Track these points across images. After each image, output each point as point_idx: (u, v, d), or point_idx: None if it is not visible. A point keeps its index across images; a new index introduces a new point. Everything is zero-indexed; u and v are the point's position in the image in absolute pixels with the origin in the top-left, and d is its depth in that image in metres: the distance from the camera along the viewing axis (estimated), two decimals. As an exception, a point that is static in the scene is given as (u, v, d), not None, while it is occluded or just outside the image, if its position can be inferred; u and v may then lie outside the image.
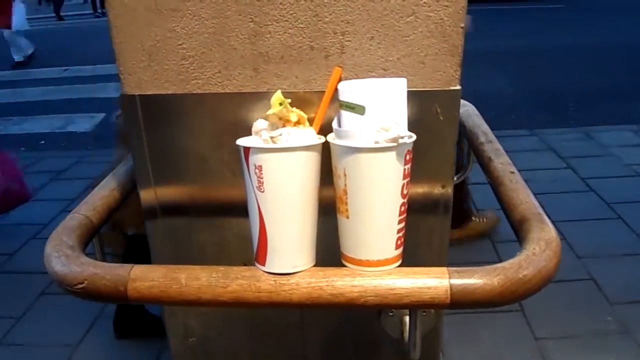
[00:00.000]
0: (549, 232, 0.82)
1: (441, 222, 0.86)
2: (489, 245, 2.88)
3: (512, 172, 1.01)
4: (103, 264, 0.79)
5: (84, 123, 5.40)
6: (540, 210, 0.88)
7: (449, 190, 0.83)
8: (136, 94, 0.80)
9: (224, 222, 0.89)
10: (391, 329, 0.93)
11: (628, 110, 4.79)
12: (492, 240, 2.91)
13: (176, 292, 0.75)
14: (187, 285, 0.75)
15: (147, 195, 0.89)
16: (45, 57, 8.40)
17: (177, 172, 0.87)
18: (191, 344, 0.99)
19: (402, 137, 0.69)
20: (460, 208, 3.24)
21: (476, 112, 1.32)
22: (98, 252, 0.98)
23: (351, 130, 0.71)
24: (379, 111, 0.69)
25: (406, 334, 0.89)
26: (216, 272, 0.76)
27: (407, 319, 0.92)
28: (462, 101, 1.40)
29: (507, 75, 6.20)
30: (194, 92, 0.80)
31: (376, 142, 0.69)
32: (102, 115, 5.50)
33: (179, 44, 0.77)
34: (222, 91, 0.79)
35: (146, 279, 0.76)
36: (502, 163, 1.04)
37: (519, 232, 0.85)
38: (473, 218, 2.90)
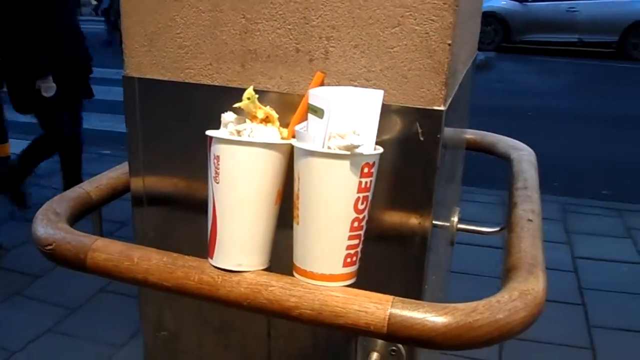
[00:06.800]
0: (532, 283, 0.80)
1: (416, 256, 0.87)
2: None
3: (530, 220, 0.99)
4: (74, 231, 0.91)
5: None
6: (538, 262, 0.86)
7: (427, 222, 0.85)
8: (135, 76, 0.93)
9: (205, 216, 0.97)
10: (355, 362, 0.95)
11: None
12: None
13: (127, 269, 0.84)
14: (138, 264, 0.84)
15: (136, 183, 1.00)
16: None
17: (165, 162, 0.97)
18: (162, 337, 1.07)
19: (357, 147, 0.73)
20: None
21: (532, 159, 1.30)
22: (95, 227, 1.10)
23: (309, 133, 0.76)
24: (337, 117, 0.74)
25: (367, 370, 0.90)
26: (167, 257, 0.84)
27: (374, 355, 0.93)
28: (520, 144, 1.39)
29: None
30: (187, 81, 0.90)
31: (328, 148, 0.73)
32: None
33: (177, 33, 0.88)
34: (211, 83, 0.89)
35: (104, 251, 0.86)
36: (524, 210, 1.02)
37: (503, 281, 0.84)
38: None
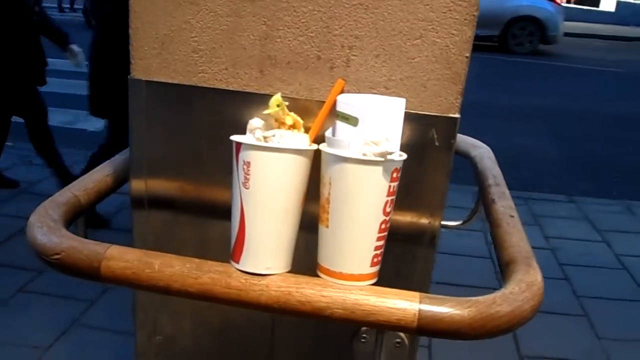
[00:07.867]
0: (534, 275, 0.88)
1: (425, 253, 0.92)
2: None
3: (512, 216, 1.07)
4: (82, 239, 0.88)
5: (96, 122, 5.60)
6: (531, 255, 0.94)
7: (437, 222, 0.90)
8: (143, 78, 0.90)
9: (209, 221, 0.97)
10: (360, 356, 0.99)
11: (680, 190, 4.81)
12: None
13: (147, 277, 0.83)
14: (160, 271, 0.83)
15: (137, 185, 0.97)
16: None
17: (170, 165, 0.95)
18: (157, 342, 1.06)
19: (391, 153, 0.76)
20: None
21: (491, 155, 1.39)
22: (80, 232, 1.06)
23: (342, 139, 0.79)
24: (371, 125, 0.77)
25: (376, 362, 0.95)
26: (190, 263, 0.83)
27: (379, 348, 0.97)
28: (479, 142, 1.48)
29: (554, 137, 6.29)
30: (199, 85, 0.89)
31: (364, 154, 0.76)
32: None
33: (192, 37, 0.87)
34: (226, 88, 0.89)
35: (121, 259, 0.84)
36: (503, 206, 1.10)
37: (504, 274, 0.91)
38: None
